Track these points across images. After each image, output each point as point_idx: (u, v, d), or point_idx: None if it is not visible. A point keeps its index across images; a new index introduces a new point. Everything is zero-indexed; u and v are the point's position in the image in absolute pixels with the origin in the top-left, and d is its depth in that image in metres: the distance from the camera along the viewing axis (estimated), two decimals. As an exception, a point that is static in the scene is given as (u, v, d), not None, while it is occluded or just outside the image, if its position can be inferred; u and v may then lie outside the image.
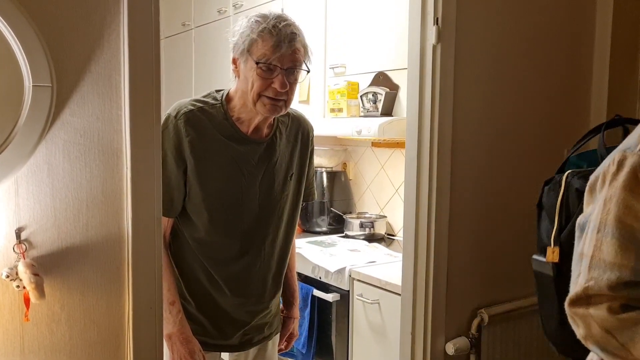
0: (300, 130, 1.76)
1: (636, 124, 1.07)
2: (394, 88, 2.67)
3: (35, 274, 1.11)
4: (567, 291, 1.02)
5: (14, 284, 1.11)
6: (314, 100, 3.04)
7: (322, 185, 3.14)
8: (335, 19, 2.94)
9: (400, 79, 2.60)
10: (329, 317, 2.47)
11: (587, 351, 1.04)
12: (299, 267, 2.30)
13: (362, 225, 2.95)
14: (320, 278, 2.50)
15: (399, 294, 1.96)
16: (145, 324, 1.25)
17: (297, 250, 2.17)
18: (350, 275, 2.37)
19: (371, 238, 2.92)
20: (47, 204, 1.15)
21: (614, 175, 0.98)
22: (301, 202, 1.80)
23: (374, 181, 3.18)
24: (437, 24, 1.74)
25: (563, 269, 1.37)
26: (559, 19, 2.07)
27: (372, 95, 2.69)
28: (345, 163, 3.36)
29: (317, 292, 2.47)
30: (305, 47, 1.57)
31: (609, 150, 1.31)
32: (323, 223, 3.15)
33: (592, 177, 1.05)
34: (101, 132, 1.19)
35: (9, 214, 1.12)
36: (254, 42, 1.51)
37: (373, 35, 2.72)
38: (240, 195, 1.63)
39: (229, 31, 1.61)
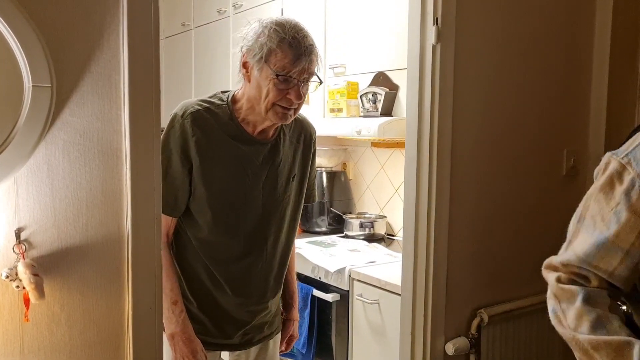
0: (303, 132, 1.77)
1: None
2: (393, 88, 2.67)
3: (35, 274, 1.11)
4: None
5: (14, 284, 1.11)
6: (314, 100, 3.04)
7: (322, 185, 3.14)
8: (335, 19, 2.94)
9: (399, 79, 2.60)
10: (328, 317, 2.47)
11: None
12: (299, 267, 2.30)
13: (361, 226, 2.95)
14: (320, 278, 2.50)
15: (399, 294, 1.96)
16: (145, 324, 1.25)
17: (297, 250, 2.17)
18: (350, 276, 2.37)
19: (371, 238, 2.92)
20: (47, 204, 1.15)
21: (599, 174, 1.11)
22: (302, 204, 1.80)
23: (374, 181, 3.18)
24: (436, 24, 1.74)
25: None
26: (559, 19, 2.07)
27: (372, 95, 2.69)
28: (345, 163, 3.36)
29: (317, 292, 2.47)
30: (318, 57, 1.59)
31: None
32: (323, 223, 3.14)
33: (596, 169, 1.15)
34: (101, 132, 1.19)
35: (9, 214, 1.12)
36: (272, 52, 1.51)
37: (373, 36, 2.72)
38: (244, 195, 1.64)
39: (242, 32, 1.59)
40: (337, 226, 3.12)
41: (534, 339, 2.08)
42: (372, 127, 2.57)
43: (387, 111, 2.69)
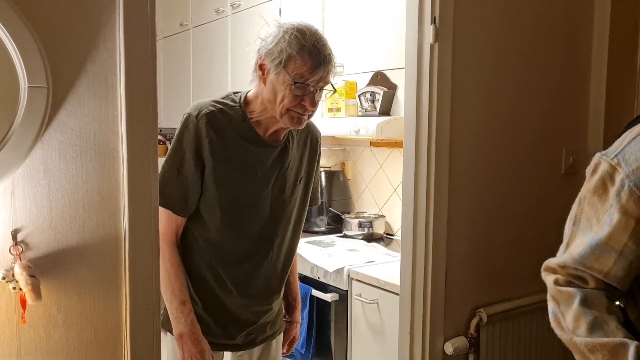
0: (310, 136, 1.78)
1: None
2: (392, 87, 2.67)
3: (32, 276, 1.10)
4: None
5: (10, 285, 1.11)
6: (312, 99, 3.03)
7: (321, 185, 3.14)
8: (333, 19, 2.94)
9: (398, 78, 2.60)
10: (327, 317, 2.47)
11: None
12: (298, 267, 2.30)
13: (360, 225, 2.95)
14: (319, 278, 2.50)
15: (398, 294, 1.96)
16: (142, 326, 1.25)
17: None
18: (348, 275, 2.37)
19: (370, 238, 2.92)
20: (44, 205, 1.15)
21: (589, 176, 1.12)
22: (307, 206, 1.81)
23: (373, 181, 3.18)
24: (434, 23, 1.74)
25: None
26: (557, 17, 2.07)
27: (370, 94, 2.69)
28: (343, 163, 3.36)
29: (315, 292, 2.47)
30: (335, 66, 1.61)
31: None
32: (322, 223, 3.14)
33: (587, 169, 1.15)
34: (97, 132, 1.18)
35: (5, 216, 1.12)
36: (292, 58, 1.52)
37: (371, 35, 2.71)
38: (253, 196, 1.65)
39: (263, 34, 1.59)
40: (336, 226, 3.12)
41: (533, 338, 2.08)
42: (370, 126, 2.56)
43: (386, 110, 2.69)
